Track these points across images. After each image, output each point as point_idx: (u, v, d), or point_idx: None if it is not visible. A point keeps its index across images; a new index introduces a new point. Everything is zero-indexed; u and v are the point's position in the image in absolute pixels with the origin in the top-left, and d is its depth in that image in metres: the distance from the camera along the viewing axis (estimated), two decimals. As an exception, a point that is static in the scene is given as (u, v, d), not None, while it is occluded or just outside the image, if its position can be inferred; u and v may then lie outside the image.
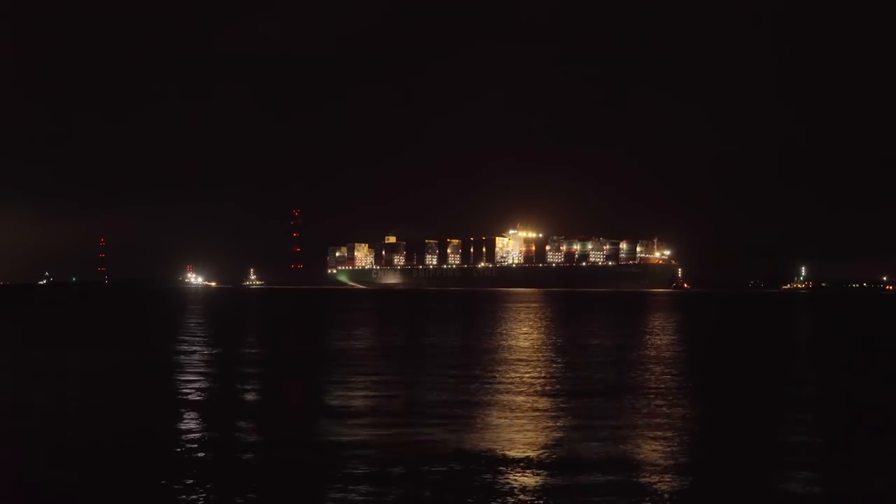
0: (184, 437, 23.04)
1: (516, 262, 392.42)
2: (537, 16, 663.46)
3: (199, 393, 31.41)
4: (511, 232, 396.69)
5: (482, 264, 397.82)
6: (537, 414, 26.67)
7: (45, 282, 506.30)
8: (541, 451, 21.03)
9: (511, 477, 18.55)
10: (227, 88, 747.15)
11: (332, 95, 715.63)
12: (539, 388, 32.42)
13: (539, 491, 17.56)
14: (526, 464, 19.72)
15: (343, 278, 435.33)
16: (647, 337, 62.28)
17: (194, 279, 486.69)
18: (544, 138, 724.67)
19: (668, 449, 21.53)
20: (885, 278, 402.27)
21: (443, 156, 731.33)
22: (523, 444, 21.86)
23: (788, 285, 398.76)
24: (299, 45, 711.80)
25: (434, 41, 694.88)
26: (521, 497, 17.12)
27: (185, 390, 31.96)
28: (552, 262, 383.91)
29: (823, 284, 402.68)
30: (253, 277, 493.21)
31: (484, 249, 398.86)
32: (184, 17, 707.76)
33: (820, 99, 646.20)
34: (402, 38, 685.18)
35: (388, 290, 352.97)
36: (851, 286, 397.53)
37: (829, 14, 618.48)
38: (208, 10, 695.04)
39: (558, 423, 24.91)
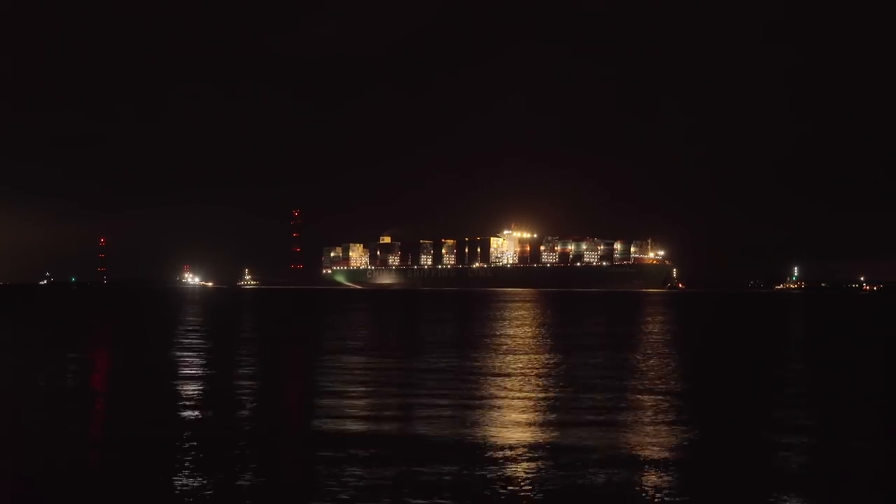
0: (182, 437, 23.32)
1: (511, 262, 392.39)
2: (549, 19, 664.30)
3: (197, 394, 31.69)
4: (506, 232, 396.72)
5: (477, 264, 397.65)
6: (534, 413, 26.93)
7: (45, 282, 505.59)
8: (538, 452, 21.19)
9: (507, 478, 18.71)
10: (228, 90, 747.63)
11: (339, 97, 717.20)
12: (535, 387, 32.75)
13: (535, 491, 17.88)
14: (522, 464, 19.90)
15: (338, 278, 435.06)
16: (641, 336, 62.59)
17: (191, 279, 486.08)
18: (544, 139, 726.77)
19: (666, 450, 21.71)
20: (862, 279, 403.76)
21: (443, 156, 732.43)
22: (520, 445, 22.03)
23: (781, 285, 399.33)
24: (311, 48, 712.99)
25: (447, 48, 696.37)
26: (519, 497, 17.44)
27: (183, 391, 32.24)
28: (547, 263, 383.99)
29: (823, 285, 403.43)
30: (248, 277, 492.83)
31: (479, 250, 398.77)
32: (185, 18, 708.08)
33: (819, 99, 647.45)
34: (423, 42, 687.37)
35: (383, 290, 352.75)
36: (851, 286, 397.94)
37: (829, 15, 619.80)
38: (211, 9, 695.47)
39: (555, 423, 25.02)
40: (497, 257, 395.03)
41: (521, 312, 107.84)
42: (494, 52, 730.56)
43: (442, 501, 16.88)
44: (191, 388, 32.83)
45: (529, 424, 24.88)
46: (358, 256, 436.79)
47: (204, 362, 42.80)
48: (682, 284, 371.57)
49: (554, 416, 26.27)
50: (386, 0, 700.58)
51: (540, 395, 30.62)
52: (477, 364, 41.33)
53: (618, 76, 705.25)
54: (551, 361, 43.10)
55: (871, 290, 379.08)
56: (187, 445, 22.07)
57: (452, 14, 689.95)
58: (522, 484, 18.09)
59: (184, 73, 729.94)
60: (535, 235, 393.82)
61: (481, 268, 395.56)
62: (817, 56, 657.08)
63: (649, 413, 26.99)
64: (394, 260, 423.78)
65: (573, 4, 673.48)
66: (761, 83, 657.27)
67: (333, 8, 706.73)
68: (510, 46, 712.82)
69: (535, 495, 17.34)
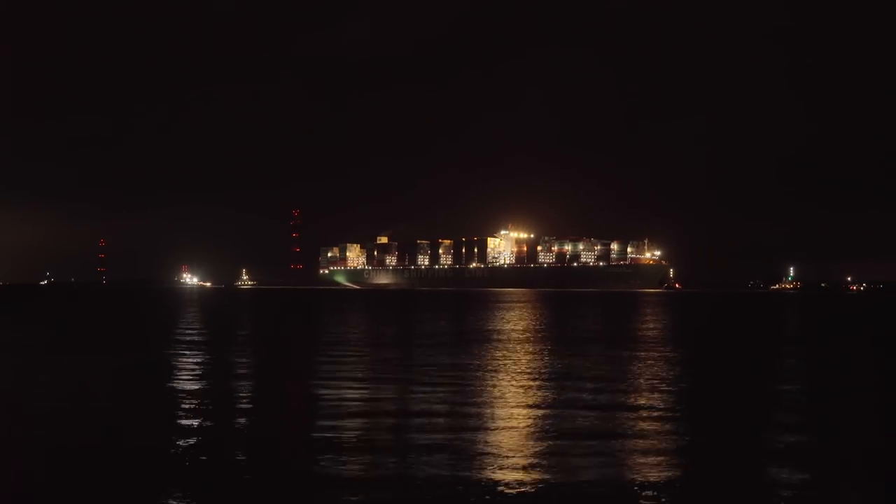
0: (181, 438, 23.41)
1: (508, 262, 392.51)
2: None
3: (196, 393, 31.78)
4: (503, 232, 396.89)
5: (474, 265, 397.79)
6: (527, 437, 26.74)
7: (46, 282, 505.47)
8: (536, 457, 21.35)
9: (504, 487, 18.78)
10: (228, 90, 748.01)
11: (340, 98, 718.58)
12: (530, 399, 32.80)
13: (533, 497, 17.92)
14: (520, 470, 20.04)
15: (336, 279, 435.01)
16: (638, 337, 62.72)
17: (189, 279, 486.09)
18: (544, 139, 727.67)
19: (664, 452, 21.85)
20: (848, 278, 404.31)
21: (442, 156, 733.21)
22: (518, 449, 22.18)
23: (777, 286, 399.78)
24: (312, 49, 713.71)
25: (448, 50, 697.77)
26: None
27: (182, 390, 32.33)
28: (543, 263, 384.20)
29: (823, 285, 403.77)
30: (245, 277, 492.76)
31: (476, 250, 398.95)
32: (186, 19, 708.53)
33: (819, 100, 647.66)
34: (424, 44, 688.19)
35: (381, 290, 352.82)
36: (851, 287, 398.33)
37: (830, 16, 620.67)
38: (211, 10, 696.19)
39: (548, 450, 24.53)
40: (494, 257, 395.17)
41: (518, 313, 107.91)
42: (495, 54, 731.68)
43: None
44: (189, 388, 32.90)
45: (523, 450, 23.14)
46: (355, 256, 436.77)
47: (202, 362, 42.90)
48: (679, 284, 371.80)
49: (547, 441, 23.21)
50: (388, 4, 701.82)
51: (534, 412, 28.66)
52: (471, 370, 41.26)
53: (618, 76, 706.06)
54: (547, 366, 43.05)
55: (858, 289, 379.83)
56: (187, 446, 22.17)
57: (455, 17, 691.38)
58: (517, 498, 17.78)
59: (184, 74, 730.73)
60: (532, 235, 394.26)
61: (478, 268, 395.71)
62: (818, 57, 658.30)
63: (647, 428, 26.49)
64: (391, 260, 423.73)
65: (574, 4, 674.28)
66: (761, 83, 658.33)
67: (334, 11, 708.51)
68: (510, 48, 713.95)
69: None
